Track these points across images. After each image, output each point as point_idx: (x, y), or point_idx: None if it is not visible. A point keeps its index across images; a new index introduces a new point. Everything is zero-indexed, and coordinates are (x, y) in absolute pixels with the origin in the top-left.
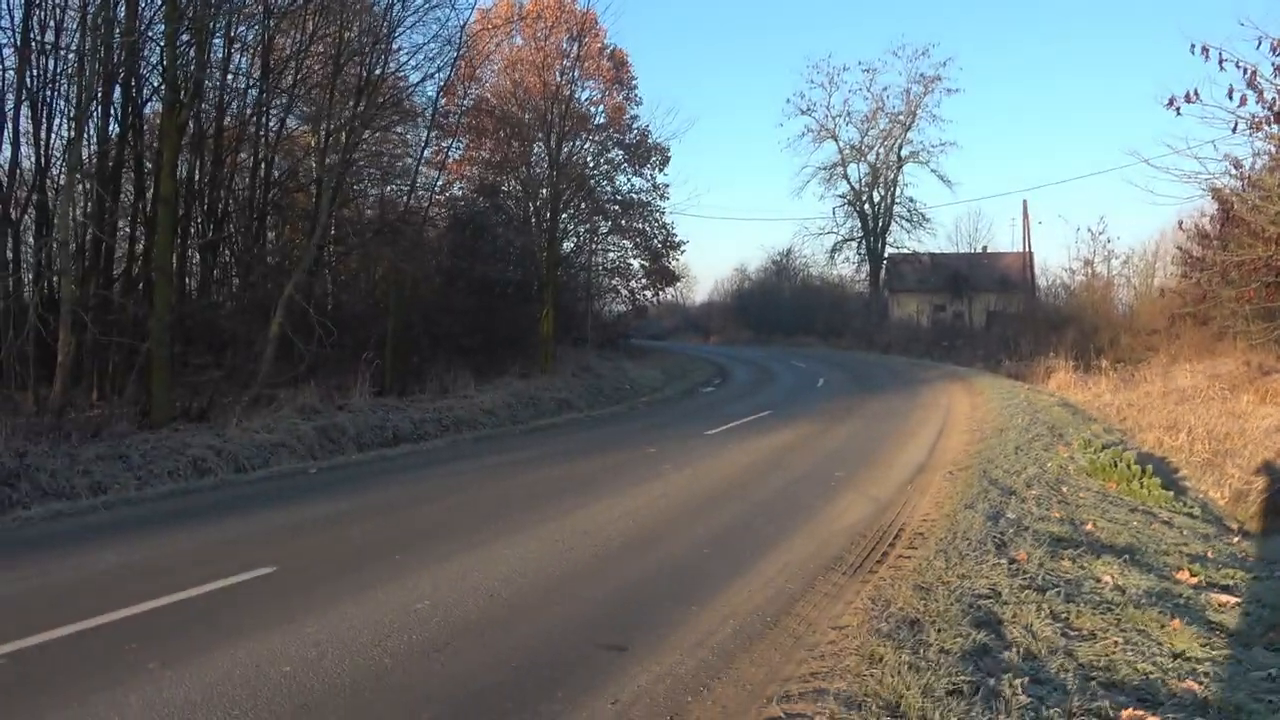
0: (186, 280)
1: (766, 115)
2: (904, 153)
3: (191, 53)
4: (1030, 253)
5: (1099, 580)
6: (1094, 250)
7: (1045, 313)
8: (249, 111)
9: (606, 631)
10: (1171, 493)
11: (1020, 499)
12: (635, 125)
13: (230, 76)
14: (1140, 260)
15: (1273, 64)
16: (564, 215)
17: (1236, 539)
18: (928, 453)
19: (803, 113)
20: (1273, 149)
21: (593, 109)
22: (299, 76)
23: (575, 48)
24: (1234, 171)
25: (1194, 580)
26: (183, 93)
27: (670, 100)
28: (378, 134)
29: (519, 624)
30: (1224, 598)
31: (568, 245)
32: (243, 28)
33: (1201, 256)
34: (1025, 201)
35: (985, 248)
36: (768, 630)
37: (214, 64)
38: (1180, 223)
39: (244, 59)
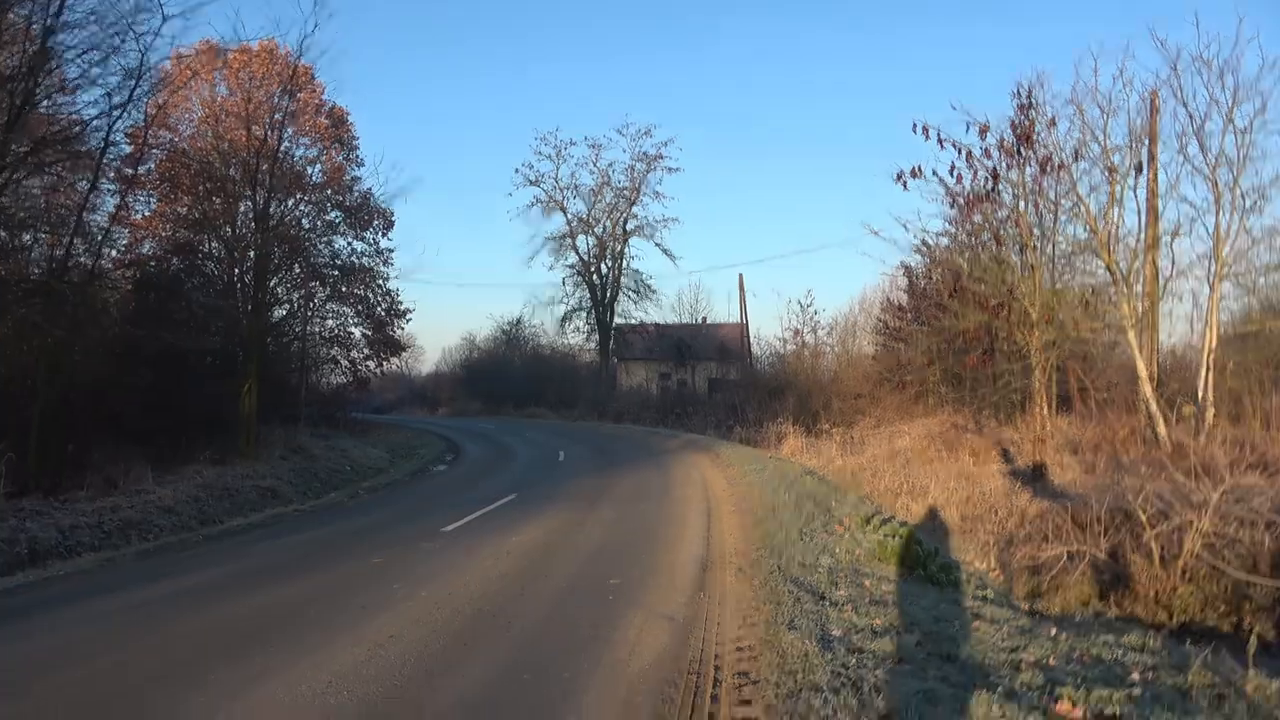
0: None
1: (496, 184)
2: (629, 226)
3: None
4: (746, 323)
5: None
6: (803, 321)
7: (765, 380)
8: None
9: None
10: (964, 575)
11: (833, 604)
12: (357, 187)
13: None
14: (841, 330)
15: (981, 146)
16: (274, 280)
17: (1054, 630)
18: (704, 543)
19: (531, 183)
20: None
21: (309, 167)
22: None
23: (288, 101)
24: (924, 249)
25: (1078, 714)
26: None
27: (395, 156)
28: (32, 177)
29: None
30: None
31: (279, 312)
32: None
33: (898, 328)
34: (741, 275)
35: (705, 318)
36: None
37: None
38: (884, 292)
39: None
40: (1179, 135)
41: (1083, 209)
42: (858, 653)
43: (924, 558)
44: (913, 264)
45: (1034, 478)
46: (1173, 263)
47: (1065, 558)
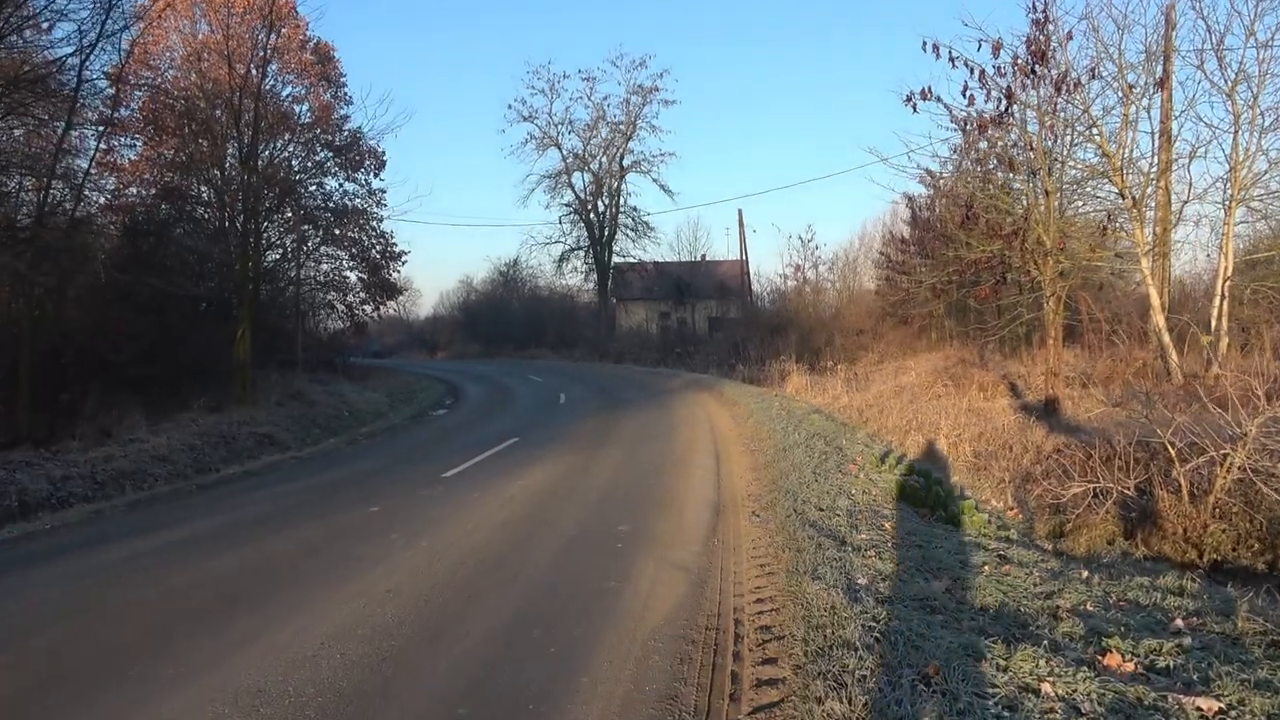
0: None
1: (489, 121)
2: (626, 162)
3: None
4: (746, 260)
5: (1038, 693)
6: (804, 256)
7: (766, 317)
8: None
9: None
10: (984, 515)
11: (855, 549)
12: (346, 126)
13: None
14: (843, 265)
15: (994, 65)
16: (267, 223)
17: (1085, 572)
18: (715, 485)
19: (525, 119)
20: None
21: (296, 106)
22: None
23: (272, 37)
24: (929, 177)
25: (1129, 667)
26: None
27: (384, 91)
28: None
29: None
30: (1203, 702)
31: (272, 257)
32: None
33: (901, 261)
34: (740, 211)
35: (705, 256)
36: None
37: None
38: (886, 225)
39: None
40: (1198, 51)
41: (1096, 131)
42: (887, 603)
43: (944, 498)
44: (916, 195)
45: (1047, 413)
46: (1189, 186)
47: (1090, 495)
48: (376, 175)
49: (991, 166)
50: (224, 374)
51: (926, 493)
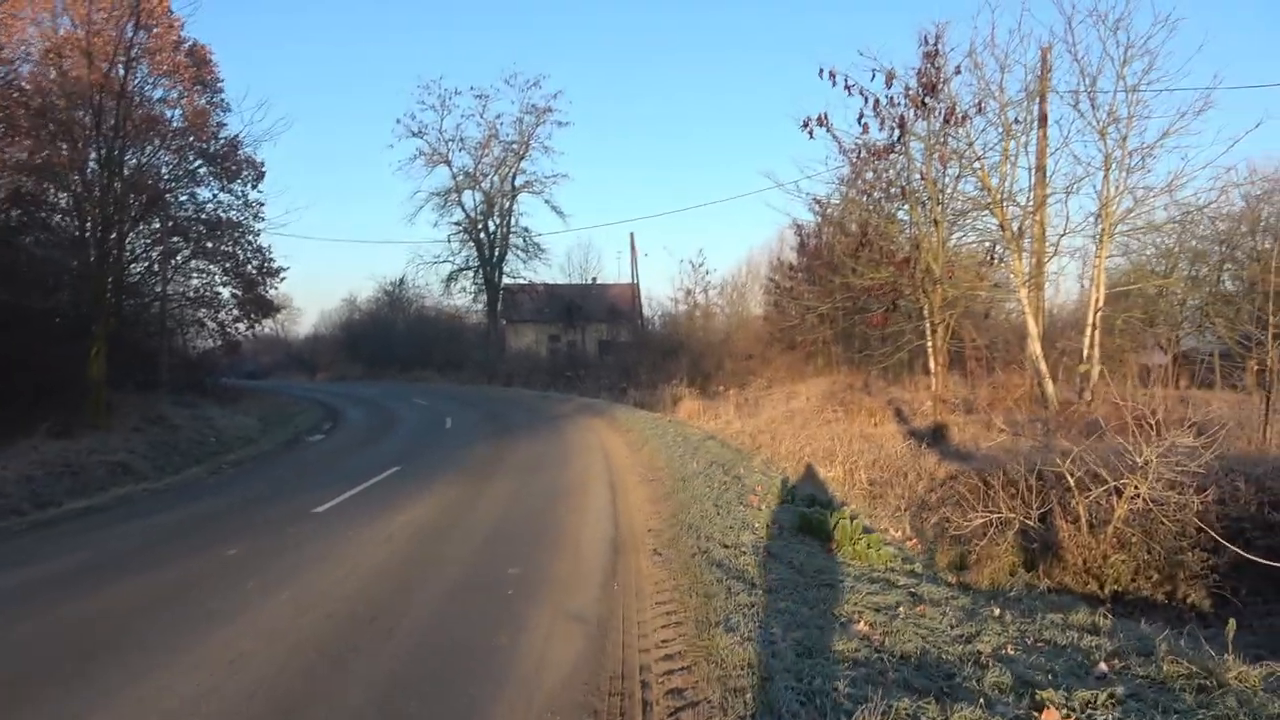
0: None
1: (377, 135)
2: (518, 182)
3: None
4: (638, 283)
5: None
6: (695, 281)
7: (657, 341)
8: None
9: None
10: (891, 549)
11: (766, 591)
12: (223, 133)
13: None
14: (732, 290)
15: (887, 95)
16: (132, 234)
17: (997, 609)
18: (613, 519)
19: (414, 135)
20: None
21: (168, 110)
22: None
23: (141, 35)
24: (816, 208)
25: None
26: None
27: (262, 95)
28: None
29: None
30: None
31: (137, 270)
32: None
33: (790, 288)
34: (632, 234)
35: (596, 279)
36: None
37: None
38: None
39: None
40: (1074, 93)
41: (979, 165)
42: (807, 655)
43: (849, 532)
44: (804, 222)
45: (935, 439)
46: (1067, 220)
47: (992, 525)
48: (254, 186)
49: (892, 192)
50: (76, 396)
51: (829, 525)
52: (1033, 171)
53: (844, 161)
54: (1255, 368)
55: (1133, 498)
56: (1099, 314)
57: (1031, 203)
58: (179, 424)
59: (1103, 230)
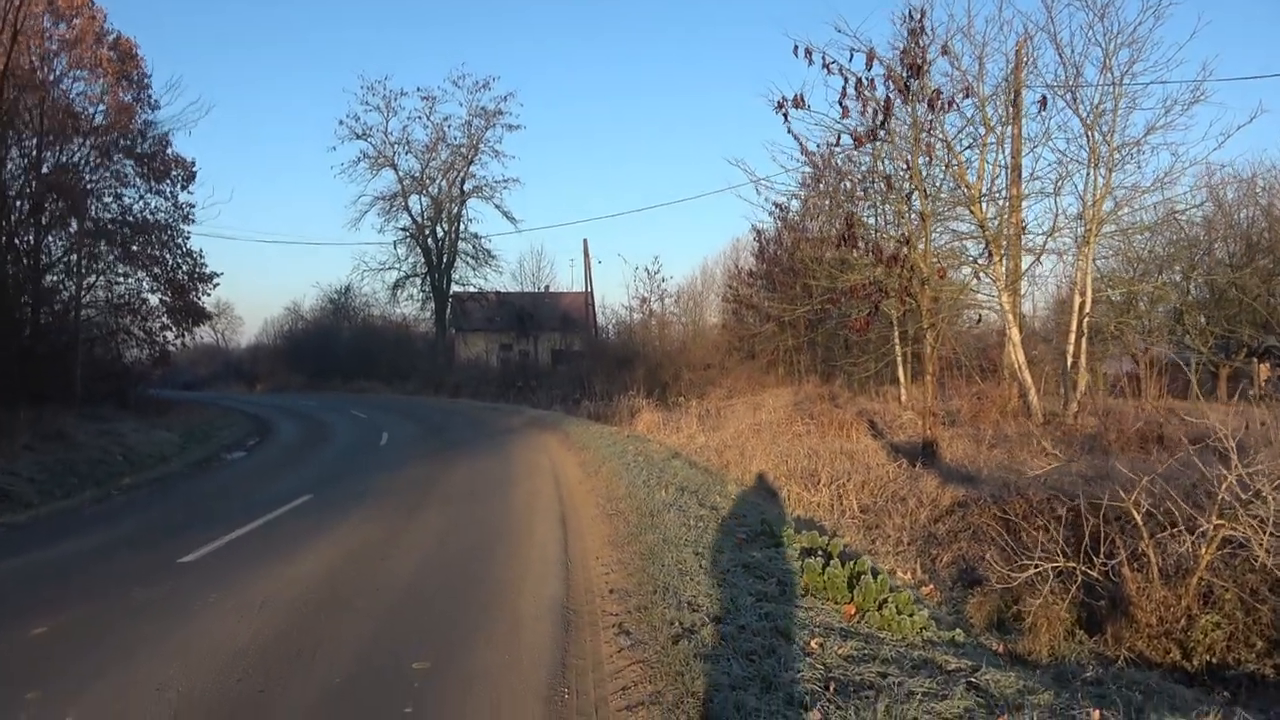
0: None
1: (319, 137)
2: (467, 187)
3: None
4: (591, 291)
5: None
6: (651, 289)
7: (613, 350)
8: None
9: None
10: (925, 611)
11: (792, 703)
12: (151, 132)
13: None
14: (688, 298)
15: (867, 77)
16: (48, 236)
17: (1096, 713)
18: (563, 572)
19: (358, 137)
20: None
21: (90, 106)
22: None
23: (60, 27)
24: (777, 213)
25: None
26: None
27: (171, 76)
28: None
29: None
30: None
31: (53, 278)
32: None
33: (749, 295)
34: (585, 240)
35: (548, 286)
36: None
37: None
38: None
39: None
40: (1052, 86)
41: (955, 162)
42: None
43: (876, 592)
44: (765, 228)
45: (925, 456)
46: (1054, 218)
47: (1052, 576)
48: (184, 188)
49: (852, 188)
50: None
51: (835, 576)
52: (1008, 170)
53: (805, 162)
54: (1227, 375)
55: (1224, 541)
56: (1086, 319)
57: (1007, 201)
58: (81, 441)
59: (1088, 230)
